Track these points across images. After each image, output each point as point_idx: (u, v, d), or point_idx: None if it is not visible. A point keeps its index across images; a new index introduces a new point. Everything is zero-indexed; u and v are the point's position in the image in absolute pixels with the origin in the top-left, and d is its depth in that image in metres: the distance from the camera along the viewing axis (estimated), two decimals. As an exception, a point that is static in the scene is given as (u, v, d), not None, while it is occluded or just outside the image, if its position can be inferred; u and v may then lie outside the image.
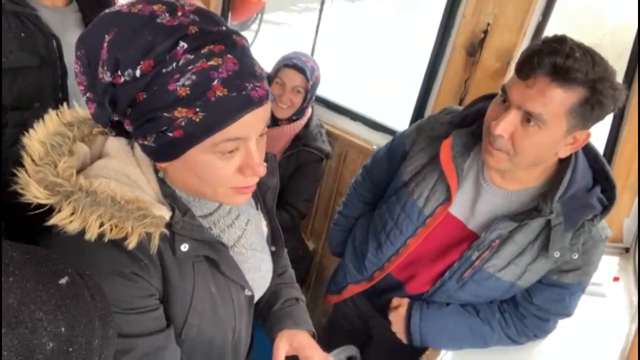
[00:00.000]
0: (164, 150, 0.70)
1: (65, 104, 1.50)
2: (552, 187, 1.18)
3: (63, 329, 0.44)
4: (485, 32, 1.84)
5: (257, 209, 1.04)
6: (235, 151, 0.73)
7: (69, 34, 1.57)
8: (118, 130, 0.75)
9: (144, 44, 0.64)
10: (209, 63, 0.64)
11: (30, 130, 0.75)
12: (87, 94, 0.72)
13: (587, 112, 1.02)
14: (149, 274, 0.77)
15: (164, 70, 0.64)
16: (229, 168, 0.74)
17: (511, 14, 1.78)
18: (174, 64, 0.64)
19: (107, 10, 0.69)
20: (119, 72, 0.65)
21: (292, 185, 2.14)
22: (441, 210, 1.29)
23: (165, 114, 0.65)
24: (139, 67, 0.64)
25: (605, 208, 1.17)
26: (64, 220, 0.69)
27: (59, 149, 0.74)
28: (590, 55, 1.00)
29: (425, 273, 1.37)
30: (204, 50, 0.65)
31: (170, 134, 0.67)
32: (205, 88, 0.64)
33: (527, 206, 1.22)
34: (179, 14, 0.66)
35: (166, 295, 0.81)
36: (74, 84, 1.57)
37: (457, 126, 1.31)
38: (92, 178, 0.73)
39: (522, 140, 1.07)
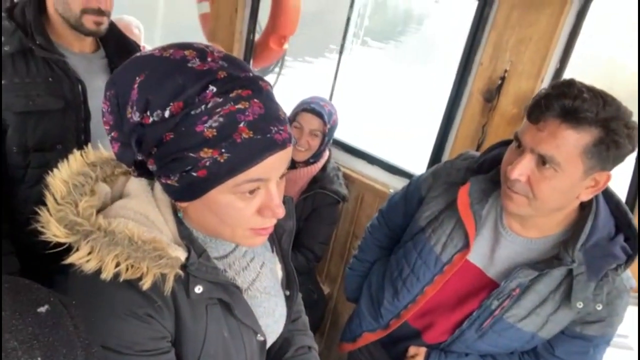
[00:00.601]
0: (187, 189, 0.71)
1: (89, 145, 1.53)
2: (573, 235, 1.15)
3: (39, 359, 0.43)
4: (503, 78, 1.85)
5: (273, 251, 1.03)
6: (256, 192, 0.74)
7: (94, 78, 1.63)
8: (140, 170, 0.76)
9: (174, 86, 0.66)
10: (237, 106, 0.66)
11: (55, 170, 0.77)
12: (112, 133, 0.74)
13: (603, 152, 1.01)
14: (163, 315, 0.76)
15: (192, 112, 0.66)
16: (249, 209, 0.74)
17: (528, 61, 1.80)
18: (203, 107, 0.66)
19: (139, 54, 0.71)
20: (148, 113, 0.67)
21: (308, 227, 2.13)
22: (459, 257, 1.27)
23: (191, 154, 0.67)
24: (168, 109, 0.66)
25: (630, 257, 1.14)
26: (81, 259, 0.69)
27: (81, 188, 0.75)
28: (600, 96, 1.00)
29: (443, 322, 1.33)
30: (232, 94, 0.67)
31: (194, 174, 0.68)
32: (231, 130, 0.66)
33: (548, 254, 1.19)
34: (209, 59, 0.68)
35: (178, 338, 0.80)
36: (96, 127, 1.63)
37: (475, 172, 1.30)
38: (111, 218, 0.74)
39: (540, 183, 1.06)
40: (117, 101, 0.70)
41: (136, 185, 0.80)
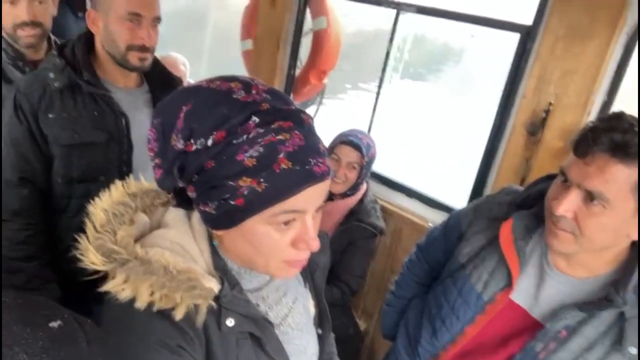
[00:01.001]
0: (224, 217, 0.72)
1: (130, 176, 1.57)
2: (624, 275, 1.08)
3: None
4: (547, 111, 1.80)
5: (306, 287, 1.01)
6: (292, 224, 0.74)
7: (137, 112, 1.68)
8: (180, 198, 0.78)
9: (219, 116, 0.68)
10: (277, 137, 0.68)
11: (96, 199, 0.80)
12: (156, 160, 0.76)
13: None
14: (194, 348, 0.75)
15: (234, 141, 0.67)
16: (284, 240, 0.74)
17: (574, 93, 1.75)
18: (245, 136, 0.67)
19: (186, 85, 0.75)
20: (192, 141, 0.69)
21: (344, 260, 2.09)
22: (501, 296, 1.21)
23: (230, 183, 0.68)
24: (211, 137, 0.68)
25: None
26: (117, 287, 0.70)
27: (120, 217, 0.77)
28: None
29: (484, 364, 1.26)
30: (274, 125, 0.68)
31: (232, 202, 0.69)
32: (271, 160, 0.67)
33: (597, 295, 1.12)
34: (253, 92, 0.70)
35: None
36: (138, 159, 1.67)
37: (518, 207, 1.25)
38: (148, 247, 0.75)
39: (587, 220, 1.01)
40: (162, 129, 0.72)
41: (174, 215, 0.81)
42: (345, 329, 2.18)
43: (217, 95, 0.70)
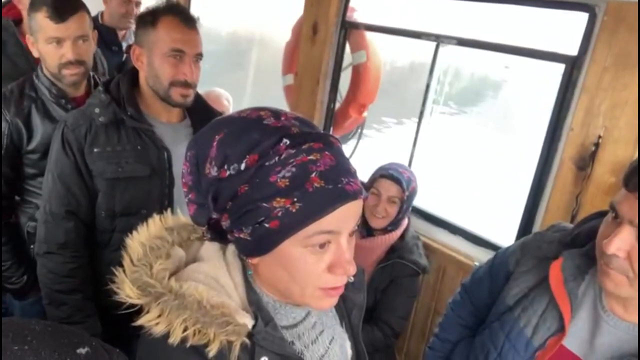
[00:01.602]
0: (259, 242, 0.72)
1: (169, 210, 1.58)
2: None
3: None
4: (597, 145, 1.73)
5: (342, 326, 0.98)
6: (327, 246, 0.73)
7: (179, 146, 1.71)
8: (214, 231, 0.78)
9: (251, 140, 0.69)
10: (309, 157, 0.69)
11: (134, 232, 0.81)
12: (190, 195, 0.76)
13: None
14: None
15: (267, 164, 0.68)
16: (320, 265, 0.74)
17: (625, 126, 1.68)
18: (277, 158, 0.68)
19: (219, 117, 0.77)
20: (226, 167, 0.70)
21: (385, 300, 2.04)
22: (553, 342, 1.13)
23: (264, 204, 0.68)
24: (244, 161, 0.69)
25: None
26: (151, 321, 0.70)
27: (157, 251, 0.78)
28: None
29: (537, 417, 1.18)
30: (305, 146, 0.69)
31: (267, 225, 0.69)
32: (303, 179, 0.68)
33: (660, 344, 1.03)
34: (282, 118, 0.73)
35: None
36: (179, 193, 1.69)
37: (568, 246, 1.18)
38: (183, 281, 0.75)
39: None
40: (196, 161, 0.74)
41: (209, 249, 0.81)
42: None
43: (248, 123, 0.72)
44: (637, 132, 1.65)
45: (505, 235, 2.17)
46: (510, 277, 1.27)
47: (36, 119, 1.82)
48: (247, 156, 0.69)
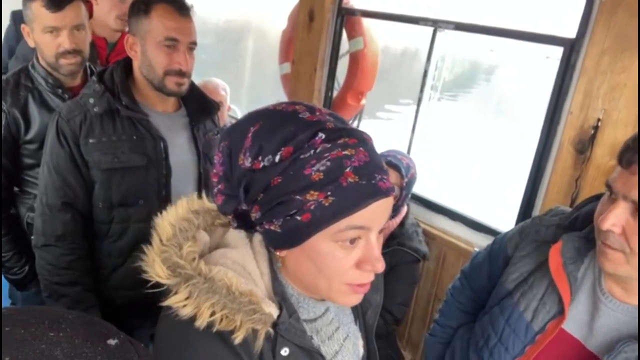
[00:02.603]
0: (289, 235, 0.72)
1: (168, 200, 1.57)
2: None
3: None
4: (596, 127, 1.72)
5: (356, 325, 0.98)
6: (357, 242, 0.73)
7: (175, 136, 1.70)
8: (241, 221, 0.78)
9: (286, 133, 0.70)
10: (344, 152, 0.69)
11: (163, 212, 0.80)
12: (219, 186, 0.77)
13: None
14: None
15: (302, 157, 0.69)
16: (349, 260, 0.74)
17: (623, 108, 1.67)
18: (312, 151, 0.69)
19: (254, 109, 0.77)
20: (260, 158, 0.70)
21: (386, 287, 2.02)
22: (553, 325, 1.13)
23: (297, 197, 0.69)
24: (279, 153, 0.69)
25: None
26: (179, 303, 0.70)
27: (185, 233, 0.77)
28: None
29: (538, 400, 1.18)
30: (340, 141, 0.70)
31: (299, 218, 0.69)
32: (338, 174, 0.68)
33: (659, 326, 1.03)
34: (317, 113, 0.73)
35: None
36: (177, 183, 1.69)
37: (566, 229, 1.18)
38: (211, 265, 0.75)
39: (636, 235, 0.94)
40: (229, 151, 0.74)
41: (235, 236, 0.81)
42: (389, 360, 2.12)
43: (284, 115, 0.72)
44: (636, 114, 1.64)
45: (506, 220, 2.16)
46: (510, 262, 1.27)
47: (33, 109, 1.81)
48: (282, 148, 0.69)
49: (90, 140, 1.56)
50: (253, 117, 0.74)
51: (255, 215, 0.74)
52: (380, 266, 0.75)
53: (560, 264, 1.12)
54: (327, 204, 0.68)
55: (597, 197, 1.16)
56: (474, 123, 11.16)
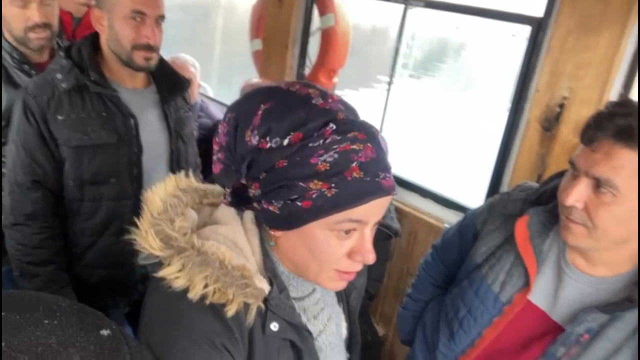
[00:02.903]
0: (287, 218, 0.72)
1: (139, 178, 1.54)
2: None
3: None
4: (562, 106, 1.76)
5: (340, 306, 1.00)
6: (352, 233, 0.75)
7: (146, 113, 1.68)
8: (235, 196, 0.78)
9: (297, 118, 0.70)
10: (352, 146, 0.69)
11: (153, 187, 0.81)
12: (219, 154, 0.77)
13: None
14: (237, 349, 0.75)
15: (310, 144, 0.68)
16: (341, 249, 0.76)
17: (589, 87, 1.71)
18: (321, 141, 0.69)
19: (264, 85, 0.77)
20: (268, 138, 0.70)
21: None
22: (519, 297, 1.18)
23: (301, 184, 0.69)
24: (288, 138, 0.69)
25: None
26: (172, 274, 0.70)
27: (175, 209, 0.78)
28: None
29: (504, 369, 1.23)
30: (350, 135, 0.70)
31: (299, 203, 0.70)
32: (344, 167, 0.69)
33: (619, 295, 1.08)
34: (330, 100, 0.73)
35: None
36: (148, 160, 1.67)
37: (533, 204, 1.22)
38: (204, 239, 0.75)
39: (598, 210, 0.98)
40: (236, 123, 0.73)
41: (226, 213, 0.82)
42: (363, 335, 2.15)
43: (296, 98, 0.72)
44: (600, 93, 1.69)
45: (475, 197, 2.21)
46: (479, 236, 1.30)
47: None
48: (292, 133, 0.69)
49: (59, 117, 1.53)
50: (264, 95, 0.74)
51: (254, 192, 0.74)
52: (371, 258, 0.77)
53: (527, 238, 1.16)
54: (329, 195, 0.69)
55: (562, 174, 1.20)
56: (444, 101, 11.25)
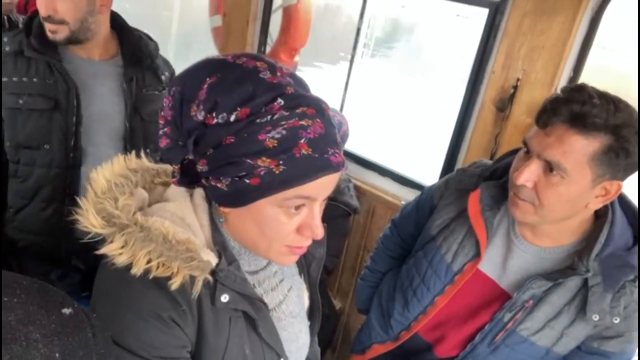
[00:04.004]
0: (235, 195, 0.72)
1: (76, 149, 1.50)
2: (588, 244, 1.12)
3: (57, 354, 0.45)
4: (515, 87, 1.82)
5: (301, 277, 1.02)
6: (301, 209, 0.75)
7: (98, 85, 1.66)
8: (184, 172, 0.76)
9: (244, 93, 0.67)
10: (300, 122, 0.68)
11: (98, 167, 0.79)
12: (165, 129, 0.75)
13: (613, 160, 0.98)
14: (186, 322, 0.75)
15: (258, 121, 0.67)
16: (290, 225, 0.75)
17: (541, 69, 1.77)
18: (269, 117, 0.67)
19: (210, 57, 0.74)
20: (214, 114, 0.68)
21: (318, 239, 2.10)
22: (470, 266, 1.23)
23: (248, 161, 0.68)
24: (234, 113, 0.67)
25: (648, 268, 1.09)
26: (114, 251, 0.70)
27: (121, 188, 0.77)
28: (612, 102, 0.97)
29: (454, 335, 1.29)
30: (298, 110, 0.68)
31: (247, 181, 0.69)
32: (292, 144, 0.68)
33: (562, 264, 1.15)
34: (278, 74, 0.71)
35: (198, 348, 0.79)
36: (89, 133, 1.65)
37: (487, 180, 1.27)
38: (149, 216, 0.75)
39: (546, 190, 1.03)
40: (181, 97, 0.71)
41: (175, 191, 0.81)
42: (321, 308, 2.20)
43: (243, 71, 0.69)
44: (553, 75, 1.75)
45: (432, 175, 2.27)
46: (435, 210, 1.35)
47: None
48: (239, 108, 0.67)
49: (4, 79, 1.55)
50: (210, 67, 0.71)
51: (202, 168, 0.73)
52: (320, 232, 0.77)
53: (479, 211, 1.21)
54: (277, 172, 0.68)
55: (514, 151, 1.25)
56: (400, 80, 11.36)
